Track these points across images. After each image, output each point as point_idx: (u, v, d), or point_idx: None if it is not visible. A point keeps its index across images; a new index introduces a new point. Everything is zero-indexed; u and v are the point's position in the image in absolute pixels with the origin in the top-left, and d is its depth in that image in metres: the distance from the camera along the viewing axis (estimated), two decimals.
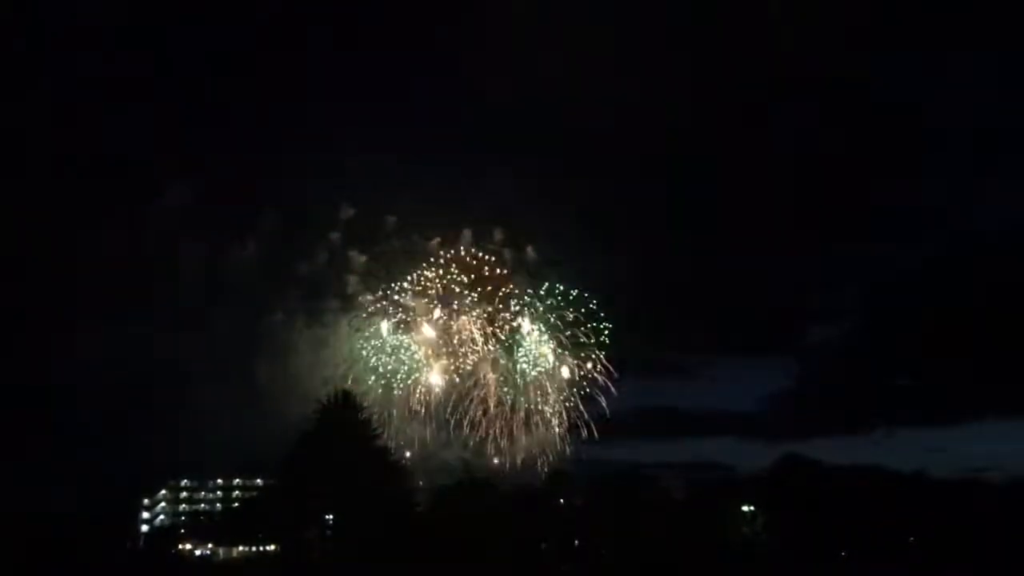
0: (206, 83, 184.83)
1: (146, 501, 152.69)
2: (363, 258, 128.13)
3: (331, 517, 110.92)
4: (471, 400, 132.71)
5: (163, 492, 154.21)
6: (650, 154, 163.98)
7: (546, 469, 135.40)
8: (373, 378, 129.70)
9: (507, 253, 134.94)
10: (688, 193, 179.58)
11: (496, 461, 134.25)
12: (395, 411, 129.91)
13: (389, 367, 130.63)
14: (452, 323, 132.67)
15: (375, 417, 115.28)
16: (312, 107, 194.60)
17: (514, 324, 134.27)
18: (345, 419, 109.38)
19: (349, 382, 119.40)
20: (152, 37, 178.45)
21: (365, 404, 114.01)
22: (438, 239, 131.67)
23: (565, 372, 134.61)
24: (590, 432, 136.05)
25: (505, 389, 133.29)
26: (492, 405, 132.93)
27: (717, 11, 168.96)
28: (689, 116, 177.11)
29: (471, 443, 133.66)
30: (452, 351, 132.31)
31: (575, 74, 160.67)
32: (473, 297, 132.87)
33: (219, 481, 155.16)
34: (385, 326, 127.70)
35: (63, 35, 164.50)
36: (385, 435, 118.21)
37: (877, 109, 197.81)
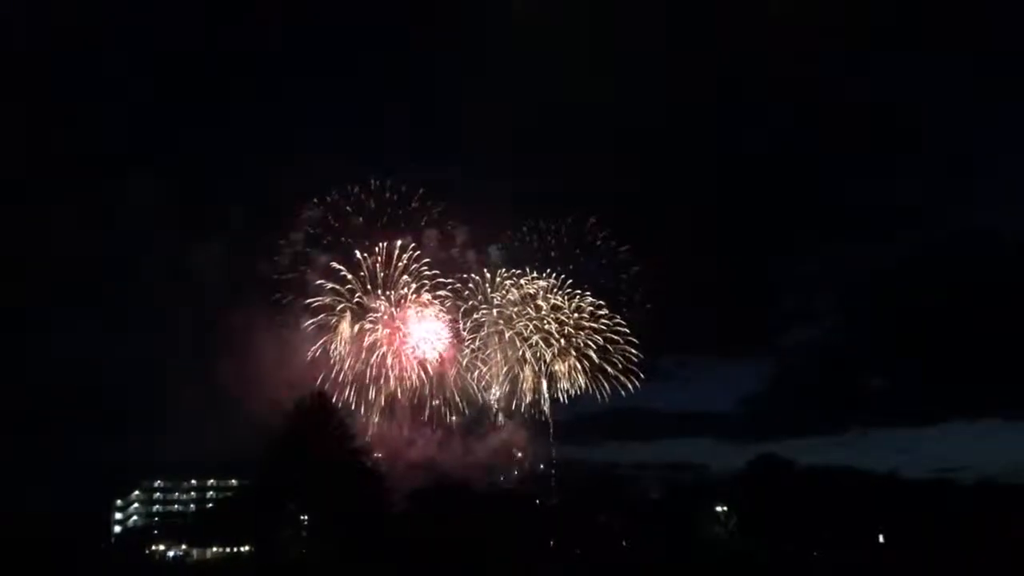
0: (176, 83, 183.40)
1: (119, 502, 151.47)
2: (326, 258, 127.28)
3: (306, 518, 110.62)
4: (438, 401, 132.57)
5: (136, 492, 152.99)
6: (623, 155, 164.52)
7: (520, 470, 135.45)
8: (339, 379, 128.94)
9: (471, 254, 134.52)
10: (663, 194, 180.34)
11: (466, 462, 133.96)
12: (362, 411, 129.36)
13: (354, 367, 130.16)
14: (418, 324, 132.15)
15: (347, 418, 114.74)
16: (277, 106, 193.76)
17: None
18: (320, 420, 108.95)
19: (316, 383, 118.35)
20: (120, 36, 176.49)
21: (339, 406, 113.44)
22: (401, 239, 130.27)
23: (529, 373, 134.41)
24: (563, 433, 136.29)
25: (475, 389, 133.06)
26: (460, 406, 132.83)
27: (704, 11, 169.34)
28: (663, 116, 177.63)
29: (439, 443, 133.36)
30: (417, 351, 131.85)
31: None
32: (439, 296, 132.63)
33: (193, 482, 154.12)
34: (347, 327, 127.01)
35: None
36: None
37: (850, 109, 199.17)
